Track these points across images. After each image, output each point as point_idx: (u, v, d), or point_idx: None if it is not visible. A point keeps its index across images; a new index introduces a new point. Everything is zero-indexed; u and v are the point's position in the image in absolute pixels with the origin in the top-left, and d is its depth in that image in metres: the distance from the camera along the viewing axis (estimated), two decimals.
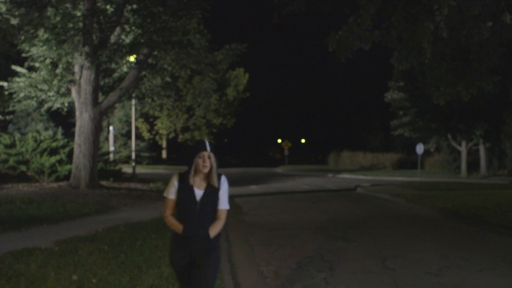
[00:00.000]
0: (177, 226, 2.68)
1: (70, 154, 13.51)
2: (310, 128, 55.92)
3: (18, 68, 12.68)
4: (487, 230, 7.53)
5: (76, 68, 12.37)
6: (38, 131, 21.79)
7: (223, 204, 2.73)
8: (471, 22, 8.17)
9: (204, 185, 2.68)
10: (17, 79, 12.38)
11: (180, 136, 35.63)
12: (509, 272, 4.84)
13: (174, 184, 2.70)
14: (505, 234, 7.18)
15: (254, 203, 11.53)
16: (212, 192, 2.68)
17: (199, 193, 2.67)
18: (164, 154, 37.95)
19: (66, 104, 13.09)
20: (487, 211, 9.09)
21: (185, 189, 2.66)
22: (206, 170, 2.62)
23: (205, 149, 2.62)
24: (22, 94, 12.39)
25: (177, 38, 11.96)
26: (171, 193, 2.70)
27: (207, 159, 2.62)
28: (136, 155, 25.32)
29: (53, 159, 13.01)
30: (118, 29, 12.12)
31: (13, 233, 6.39)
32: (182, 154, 40.80)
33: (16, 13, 10.11)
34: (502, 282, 4.51)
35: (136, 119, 32.26)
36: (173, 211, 2.73)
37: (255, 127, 52.58)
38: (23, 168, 13.37)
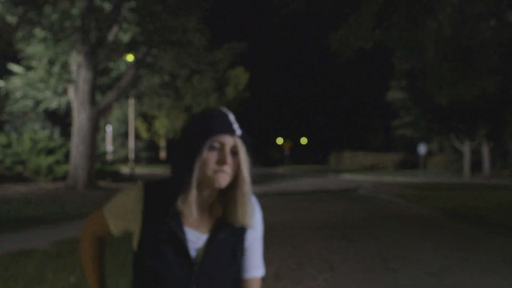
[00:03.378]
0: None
1: (67, 154, 13.46)
2: (311, 128, 55.96)
3: (14, 67, 12.62)
4: (488, 231, 7.49)
5: (74, 67, 12.31)
6: (34, 131, 21.72)
7: (254, 265, 1.18)
8: (472, 21, 8.13)
9: (210, 221, 1.11)
10: (13, 78, 12.32)
11: None
12: (510, 273, 4.80)
13: (132, 207, 1.10)
14: (506, 235, 7.14)
15: None
16: (231, 238, 1.12)
17: (196, 240, 1.09)
18: (162, 154, 37.90)
19: (63, 104, 13.04)
20: (488, 211, 9.05)
21: (161, 228, 1.07)
22: (223, 182, 1.05)
23: (228, 130, 1.05)
24: (18, 94, 12.33)
25: (176, 37, 11.91)
26: (116, 218, 1.13)
27: (228, 156, 1.05)
28: (134, 155, 25.28)
29: (50, 159, 12.95)
30: (116, 28, 12.07)
31: (10, 234, 6.34)
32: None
33: (14, 11, 10.05)
34: (503, 282, 4.46)
35: (134, 119, 32.21)
36: (100, 232, 1.19)
37: (255, 127, 52.59)
38: (19, 168, 13.30)
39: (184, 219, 1.08)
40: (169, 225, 1.06)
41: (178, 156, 1.07)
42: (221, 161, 1.04)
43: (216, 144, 1.05)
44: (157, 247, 1.07)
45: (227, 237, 1.11)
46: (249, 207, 1.08)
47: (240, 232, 1.12)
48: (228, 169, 1.05)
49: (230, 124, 1.06)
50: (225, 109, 1.11)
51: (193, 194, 1.05)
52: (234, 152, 1.06)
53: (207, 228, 1.11)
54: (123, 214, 1.12)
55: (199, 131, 1.05)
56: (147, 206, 1.08)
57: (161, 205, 1.07)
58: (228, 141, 1.05)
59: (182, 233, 1.07)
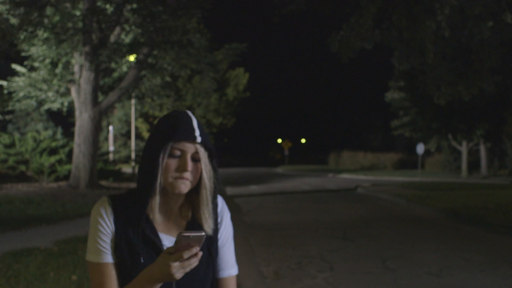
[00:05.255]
0: None
1: (69, 154, 13.52)
2: (310, 128, 56.00)
3: (18, 67, 12.67)
4: (488, 231, 7.51)
5: (76, 68, 12.37)
6: (37, 131, 21.79)
7: (229, 264, 1.19)
8: (472, 21, 8.15)
9: (181, 224, 1.12)
10: (17, 78, 12.38)
11: None
12: (510, 273, 4.81)
13: (104, 225, 1.08)
14: (506, 235, 7.15)
15: (254, 203, 11.50)
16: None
17: (171, 244, 1.10)
18: None
19: (65, 104, 13.09)
20: (488, 211, 9.07)
21: (136, 236, 1.07)
22: (184, 189, 1.05)
23: (188, 137, 1.04)
24: (21, 94, 12.40)
25: (177, 38, 11.96)
26: (103, 251, 1.07)
27: (189, 163, 1.04)
28: (136, 155, 25.32)
29: (53, 159, 13.00)
30: (117, 29, 12.12)
31: (12, 233, 6.37)
32: None
33: (16, 12, 10.11)
34: (503, 282, 4.48)
35: (135, 119, 32.26)
36: (112, 281, 1.07)
37: (255, 127, 52.67)
38: (22, 168, 13.36)
39: (157, 225, 1.09)
40: (143, 233, 1.06)
41: (144, 162, 1.07)
42: (181, 168, 1.04)
43: (177, 152, 1.04)
44: (134, 255, 1.05)
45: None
46: (206, 212, 1.09)
47: (212, 233, 1.13)
48: (188, 176, 1.05)
49: (191, 131, 1.05)
50: (189, 114, 1.09)
51: (155, 200, 1.05)
52: (195, 159, 1.06)
53: (180, 231, 1.08)
54: (101, 235, 1.07)
55: (160, 137, 1.05)
56: (117, 216, 1.08)
57: (131, 213, 1.07)
58: (189, 148, 1.05)
59: (158, 239, 1.08)
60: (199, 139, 1.05)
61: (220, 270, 1.18)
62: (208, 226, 1.10)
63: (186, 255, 0.93)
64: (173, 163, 1.04)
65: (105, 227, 1.07)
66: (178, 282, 1.05)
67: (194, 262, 0.96)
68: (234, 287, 1.20)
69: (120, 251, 1.06)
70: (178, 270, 0.95)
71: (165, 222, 1.10)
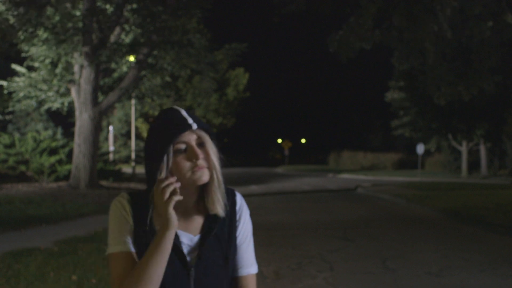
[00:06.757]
0: None
1: (69, 154, 13.52)
2: (310, 128, 56.04)
3: (18, 67, 12.67)
4: (488, 231, 7.52)
5: (76, 68, 12.37)
6: (37, 131, 21.78)
7: (248, 262, 1.15)
8: (472, 21, 8.16)
9: (199, 221, 1.10)
10: (17, 78, 12.38)
11: None
12: (510, 273, 4.82)
13: (124, 219, 1.06)
14: (506, 235, 7.15)
15: (254, 203, 11.51)
16: (221, 235, 1.11)
17: (190, 242, 1.09)
18: None
19: (65, 104, 13.09)
20: (488, 211, 9.07)
21: (148, 236, 1.05)
22: (205, 177, 1.04)
23: (184, 128, 1.03)
24: (21, 94, 12.39)
25: (177, 38, 11.97)
26: (126, 241, 1.05)
27: (197, 150, 1.04)
28: (136, 155, 25.30)
29: (53, 159, 13.01)
30: (117, 29, 12.12)
31: (13, 233, 6.38)
32: None
33: (15, 12, 10.11)
34: (503, 282, 4.48)
35: (135, 119, 32.26)
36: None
37: (255, 127, 52.71)
38: (22, 168, 13.36)
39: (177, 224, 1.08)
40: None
41: (148, 167, 1.05)
42: (193, 158, 1.03)
43: (181, 146, 1.03)
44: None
45: (218, 235, 1.10)
46: (218, 194, 1.07)
47: (230, 229, 1.12)
48: (203, 162, 1.04)
49: (184, 121, 1.03)
50: (175, 108, 1.08)
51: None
52: (200, 144, 1.05)
53: (198, 228, 1.09)
54: (123, 228, 1.06)
55: (160, 141, 1.03)
56: (135, 212, 1.07)
57: (147, 211, 1.05)
58: (190, 137, 1.04)
59: (177, 237, 1.05)
60: (194, 126, 1.04)
61: (239, 268, 1.14)
62: (221, 208, 1.08)
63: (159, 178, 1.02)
64: (183, 158, 1.03)
65: (124, 221, 1.06)
66: (195, 282, 1.06)
67: (169, 187, 1.00)
68: (254, 286, 1.16)
69: (136, 247, 1.05)
70: (161, 197, 0.99)
71: (182, 219, 1.08)
